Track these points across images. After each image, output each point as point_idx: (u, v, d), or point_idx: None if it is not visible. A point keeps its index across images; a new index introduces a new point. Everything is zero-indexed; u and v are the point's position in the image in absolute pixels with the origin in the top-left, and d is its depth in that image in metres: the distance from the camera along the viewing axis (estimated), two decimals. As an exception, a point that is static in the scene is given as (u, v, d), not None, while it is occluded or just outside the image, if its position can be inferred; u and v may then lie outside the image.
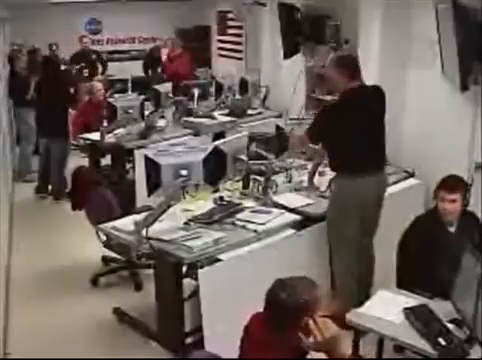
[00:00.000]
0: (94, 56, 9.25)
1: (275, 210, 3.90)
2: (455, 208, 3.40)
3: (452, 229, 3.44)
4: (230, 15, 10.03)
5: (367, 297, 3.29)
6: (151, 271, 4.07)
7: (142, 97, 6.19)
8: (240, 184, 4.26)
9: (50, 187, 6.64)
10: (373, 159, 3.85)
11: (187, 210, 3.86)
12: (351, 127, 3.70)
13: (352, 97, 3.79)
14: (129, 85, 7.71)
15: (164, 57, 9.34)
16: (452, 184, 3.45)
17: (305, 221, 3.93)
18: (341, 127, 3.70)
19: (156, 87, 6.65)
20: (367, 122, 3.79)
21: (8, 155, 6.76)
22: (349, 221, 3.74)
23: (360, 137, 3.72)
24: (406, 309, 2.89)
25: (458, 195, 3.40)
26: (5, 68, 7.56)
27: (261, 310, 2.35)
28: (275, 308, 2.24)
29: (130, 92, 7.38)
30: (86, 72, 8.67)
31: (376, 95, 3.95)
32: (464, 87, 4.24)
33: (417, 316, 2.82)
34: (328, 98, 6.39)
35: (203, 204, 3.94)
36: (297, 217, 3.90)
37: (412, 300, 3.01)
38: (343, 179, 3.80)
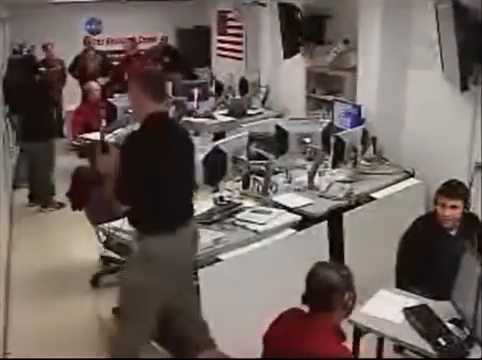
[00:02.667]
0: (98, 57, 9.24)
1: (275, 210, 3.90)
2: (455, 214, 3.36)
3: (452, 232, 3.43)
4: (230, 15, 10.02)
5: None
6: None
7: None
8: (240, 184, 4.26)
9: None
10: (184, 208, 3.10)
11: (187, 210, 3.86)
12: (157, 168, 2.90)
13: (156, 128, 2.97)
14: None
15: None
16: (453, 190, 3.41)
17: (305, 221, 3.93)
18: (145, 168, 2.88)
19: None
20: (175, 162, 2.99)
21: (8, 158, 6.74)
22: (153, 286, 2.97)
23: (168, 181, 2.95)
24: (406, 309, 2.89)
25: (459, 201, 3.37)
26: (3, 68, 7.55)
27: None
28: (316, 285, 2.32)
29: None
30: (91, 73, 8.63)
31: (180, 134, 3.18)
32: (464, 87, 4.24)
33: (417, 316, 2.82)
34: (329, 98, 6.40)
35: (203, 204, 3.94)
36: (297, 217, 3.90)
37: (412, 300, 3.00)
38: (149, 236, 2.97)
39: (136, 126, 6.00)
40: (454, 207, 3.35)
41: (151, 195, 2.92)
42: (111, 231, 3.74)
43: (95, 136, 5.81)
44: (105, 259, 4.87)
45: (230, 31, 10.46)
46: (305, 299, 2.36)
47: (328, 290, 2.28)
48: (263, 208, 3.94)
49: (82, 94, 7.77)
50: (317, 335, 2.26)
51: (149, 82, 2.98)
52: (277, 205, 4.05)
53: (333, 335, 2.29)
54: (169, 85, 6.88)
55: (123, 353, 3.10)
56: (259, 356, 2.52)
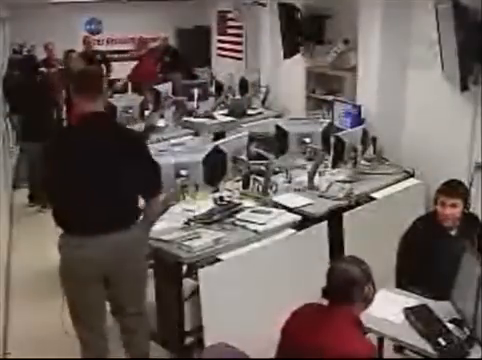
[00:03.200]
0: (98, 57, 9.24)
1: (275, 210, 3.90)
2: (455, 213, 3.37)
3: (452, 232, 3.43)
4: (230, 15, 10.03)
5: None
6: (151, 271, 4.07)
7: (142, 97, 6.19)
8: (240, 184, 4.26)
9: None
10: (95, 215, 2.85)
11: (187, 210, 3.86)
12: (63, 165, 2.85)
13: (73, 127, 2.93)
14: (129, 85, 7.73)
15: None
16: (452, 189, 3.42)
17: (305, 221, 3.93)
18: (60, 168, 2.85)
19: (156, 87, 6.66)
20: (87, 163, 2.83)
21: (8, 158, 6.74)
22: (71, 293, 2.97)
23: (75, 184, 2.83)
24: (406, 309, 2.89)
25: (458, 200, 3.37)
26: (3, 68, 7.55)
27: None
28: (339, 279, 2.36)
29: (130, 92, 7.38)
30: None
31: (111, 134, 2.95)
32: (464, 87, 4.24)
33: (417, 316, 2.82)
34: (329, 98, 6.41)
35: (203, 204, 3.94)
36: (297, 217, 3.90)
37: (412, 300, 3.00)
38: (65, 239, 2.92)
39: (136, 126, 6.06)
40: (454, 206, 3.36)
41: (60, 196, 2.87)
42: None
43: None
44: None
45: (230, 31, 10.47)
46: (325, 293, 2.41)
47: (350, 283, 2.34)
48: (263, 208, 3.94)
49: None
50: (340, 327, 2.30)
51: (81, 81, 2.94)
52: (277, 205, 4.05)
53: (355, 327, 2.34)
54: (169, 85, 6.88)
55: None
56: (259, 356, 2.52)
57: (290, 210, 3.97)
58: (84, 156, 2.83)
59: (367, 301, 2.40)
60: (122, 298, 3.07)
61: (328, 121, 4.75)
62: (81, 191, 2.84)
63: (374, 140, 5.17)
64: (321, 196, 4.23)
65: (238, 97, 6.95)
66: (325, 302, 2.42)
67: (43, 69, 8.10)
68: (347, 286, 2.34)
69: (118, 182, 2.86)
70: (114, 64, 9.64)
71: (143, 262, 3.14)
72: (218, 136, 5.65)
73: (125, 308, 3.10)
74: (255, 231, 3.64)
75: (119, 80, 7.88)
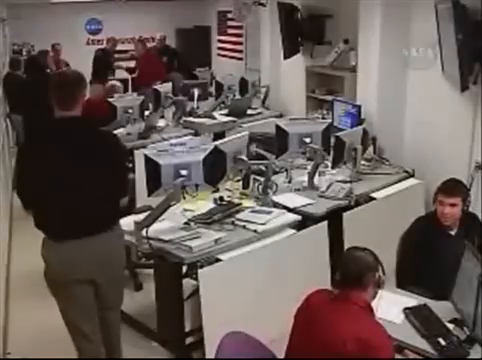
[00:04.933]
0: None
1: (275, 210, 3.90)
2: (454, 212, 3.37)
3: (452, 232, 3.43)
4: (230, 15, 10.02)
5: None
6: (151, 271, 4.07)
7: (142, 97, 6.19)
8: (240, 184, 4.26)
9: None
10: (83, 217, 2.88)
11: (187, 210, 3.86)
12: (39, 169, 2.82)
13: (51, 131, 2.91)
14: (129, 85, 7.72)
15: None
16: (451, 188, 3.43)
17: (305, 221, 3.93)
18: (37, 171, 2.82)
19: (156, 87, 6.66)
20: (65, 166, 2.82)
21: (7, 159, 6.74)
22: (66, 298, 3.00)
23: (52, 185, 2.82)
24: (406, 309, 2.89)
25: (458, 199, 3.37)
26: (4, 68, 7.55)
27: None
28: (353, 265, 2.46)
29: (130, 92, 7.38)
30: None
31: (93, 138, 2.96)
32: (464, 87, 4.24)
33: (417, 316, 2.82)
34: (329, 98, 6.41)
35: (203, 204, 3.94)
36: (297, 217, 3.90)
37: (412, 300, 3.01)
38: (48, 244, 2.97)
39: (136, 126, 6.05)
40: (453, 205, 3.36)
41: (38, 200, 2.86)
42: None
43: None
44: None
45: (230, 31, 10.47)
46: (336, 282, 2.49)
47: (363, 269, 2.44)
48: (263, 208, 3.94)
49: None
50: (355, 311, 2.38)
51: (56, 91, 2.95)
52: (277, 205, 4.05)
53: (369, 312, 2.43)
54: (169, 85, 6.88)
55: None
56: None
57: (290, 210, 3.97)
58: (61, 159, 2.83)
59: (378, 286, 2.49)
60: (108, 297, 3.13)
61: (328, 121, 4.74)
62: (59, 194, 2.83)
63: (374, 140, 5.17)
64: (321, 196, 4.23)
65: (238, 97, 6.95)
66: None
67: (49, 70, 8.12)
68: (361, 271, 2.43)
69: (98, 185, 2.89)
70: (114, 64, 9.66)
71: (124, 260, 3.24)
72: (218, 136, 5.65)
73: (108, 305, 3.17)
74: (255, 231, 3.64)
75: (120, 80, 7.86)
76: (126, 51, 11.03)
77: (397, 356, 3.16)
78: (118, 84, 6.71)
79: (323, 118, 5.47)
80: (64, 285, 2.95)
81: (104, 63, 8.96)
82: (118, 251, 3.11)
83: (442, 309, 2.87)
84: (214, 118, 6.39)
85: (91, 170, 2.87)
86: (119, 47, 10.72)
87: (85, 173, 2.85)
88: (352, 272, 2.44)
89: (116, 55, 10.24)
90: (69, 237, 2.87)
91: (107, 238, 2.96)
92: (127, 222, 3.68)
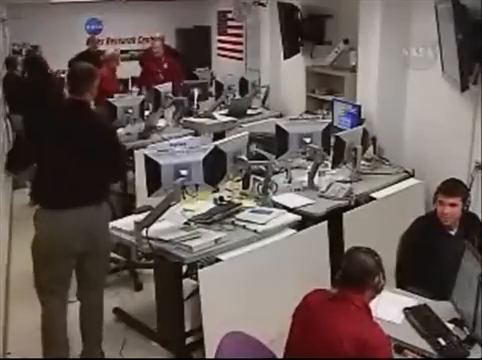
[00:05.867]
0: (101, 57, 9.20)
1: (275, 210, 3.90)
2: (454, 212, 3.37)
3: (452, 232, 3.43)
4: (230, 15, 10.03)
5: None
6: (151, 271, 4.07)
7: (142, 97, 6.19)
8: (240, 184, 4.26)
9: None
10: (69, 190, 3.16)
11: (187, 210, 3.86)
12: (45, 144, 3.19)
13: (54, 109, 3.38)
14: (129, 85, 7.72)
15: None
16: (451, 188, 3.43)
17: (305, 221, 3.93)
18: (35, 143, 3.23)
19: (156, 87, 6.65)
20: (65, 143, 3.17)
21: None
22: (42, 266, 3.24)
23: (51, 160, 3.18)
24: (406, 309, 2.89)
25: (458, 199, 3.37)
26: (4, 68, 7.54)
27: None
28: (354, 267, 2.45)
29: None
30: None
31: (88, 120, 3.31)
32: (464, 87, 4.24)
33: (417, 316, 2.82)
34: (329, 98, 6.41)
35: (203, 204, 3.94)
36: (297, 217, 3.90)
37: (412, 300, 3.01)
38: (40, 214, 3.23)
39: (136, 126, 6.05)
40: (453, 205, 3.36)
41: (37, 170, 3.23)
42: (111, 231, 3.74)
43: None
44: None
45: (230, 31, 10.48)
46: (336, 282, 2.50)
47: (364, 272, 2.45)
48: (263, 208, 3.94)
49: None
50: (353, 312, 2.39)
51: (69, 76, 3.49)
52: (277, 205, 4.05)
53: (368, 313, 2.44)
54: (169, 85, 6.88)
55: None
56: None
57: (290, 210, 3.97)
58: (62, 136, 3.17)
59: (376, 290, 2.49)
60: (91, 271, 3.36)
61: (328, 121, 4.74)
62: (56, 167, 3.17)
63: (374, 140, 5.17)
64: (321, 196, 4.23)
65: (238, 97, 6.94)
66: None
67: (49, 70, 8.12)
68: (361, 274, 2.44)
69: (90, 163, 3.19)
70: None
71: (110, 237, 3.49)
72: (218, 136, 5.64)
73: (90, 281, 3.41)
74: (255, 231, 3.64)
75: (120, 80, 7.86)
76: (127, 51, 11.06)
77: (397, 356, 3.17)
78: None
79: (323, 118, 5.46)
80: (50, 252, 3.19)
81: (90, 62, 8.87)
82: (103, 225, 3.37)
83: (442, 309, 2.87)
84: (214, 118, 6.39)
85: (87, 149, 3.17)
86: (119, 47, 10.74)
87: (79, 152, 3.16)
88: (352, 273, 2.45)
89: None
90: (58, 207, 3.15)
91: (93, 212, 3.22)
92: (127, 222, 3.69)
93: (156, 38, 8.68)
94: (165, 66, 8.01)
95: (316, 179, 4.41)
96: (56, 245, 3.18)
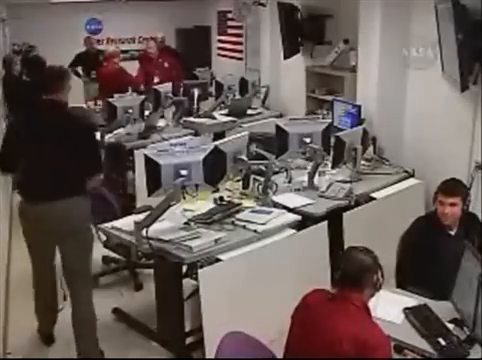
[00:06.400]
0: (100, 57, 9.19)
1: (275, 210, 3.90)
2: (454, 212, 3.37)
3: (452, 232, 3.43)
4: (230, 15, 10.02)
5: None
6: (151, 271, 4.07)
7: (142, 97, 6.19)
8: (240, 184, 4.26)
9: None
10: (49, 184, 3.39)
11: (187, 210, 3.86)
12: (24, 142, 3.41)
13: (34, 110, 3.61)
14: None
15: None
16: (451, 187, 3.43)
17: (305, 221, 3.93)
18: (19, 140, 3.44)
19: (156, 87, 6.66)
20: (42, 141, 3.40)
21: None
22: (32, 253, 3.64)
23: (30, 155, 3.42)
24: (406, 309, 2.89)
25: (458, 199, 3.37)
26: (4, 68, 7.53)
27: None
28: (352, 266, 2.46)
29: (130, 91, 7.37)
30: (94, 73, 8.57)
31: (63, 118, 3.53)
32: (464, 87, 4.24)
33: (417, 316, 2.82)
34: (329, 98, 6.41)
35: (203, 204, 3.94)
36: (297, 217, 3.90)
37: (412, 300, 3.01)
38: (22, 205, 3.52)
39: (136, 126, 6.05)
40: (453, 204, 3.36)
41: (17, 164, 3.43)
42: (111, 231, 3.74)
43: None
44: (107, 259, 4.87)
45: (230, 31, 10.47)
46: (335, 281, 2.50)
47: (362, 270, 2.45)
48: (263, 208, 3.94)
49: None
50: (352, 312, 2.39)
51: (46, 77, 3.68)
52: (277, 205, 4.05)
53: (367, 313, 2.44)
54: (169, 85, 6.88)
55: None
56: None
57: (290, 210, 3.97)
58: (40, 133, 3.39)
59: (375, 289, 2.49)
60: (72, 256, 3.55)
61: (328, 121, 4.74)
62: (36, 163, 3.40)
63: (374, 140, 5.17)
64: (321, 196, 4.23)
65: (238, 97, 6.94)
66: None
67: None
68: (359, 272, 2.44)
69: (66, 159, 3.39)
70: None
71: (89, 228, 3.66)
72: (218, 136, 5.65)
73: (73, 267, 3.57)
74: (255, 231, 3.64)
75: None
76: (127, 51, 11.05)
77: (397, 356, 3.17)
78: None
79: (323, 118, 5.46)
80: (33, 238, 3.54)
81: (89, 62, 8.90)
82: (82, 216, 3.55)
83: (442, 309, 2.87)
84: (214, 118, 6.39)
85: (62, 145, 3.38)
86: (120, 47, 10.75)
87: (56, 147, 3.37)
88: (350, 272, 2.45)
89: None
90: (39, 200, 3.37)
91: (69, 204, 3.41)
92: (127, 222, 3.69)
93: (156, 39, 8.69)
94: (165, 65, 8.02)
95: (316, 179, 4.41)
96: (36, 231, 3.48)
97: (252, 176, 4.24)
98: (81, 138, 3.46)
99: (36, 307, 3.81)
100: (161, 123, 6.20)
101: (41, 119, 3.49)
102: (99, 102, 7.90)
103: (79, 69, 9.03)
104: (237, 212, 3.85)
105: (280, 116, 6.72)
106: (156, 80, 7.58)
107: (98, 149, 3.84)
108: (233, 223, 3.73)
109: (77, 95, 8.53)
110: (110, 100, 5.92)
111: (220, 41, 11.05)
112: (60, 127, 3.44)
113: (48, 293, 3.79)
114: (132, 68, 8.87)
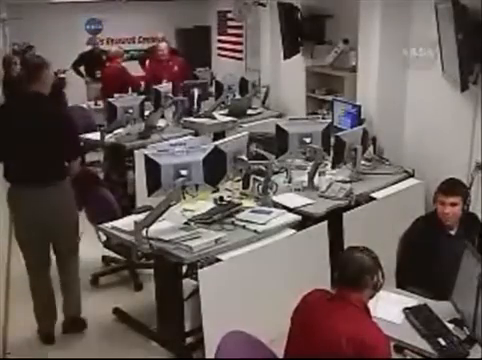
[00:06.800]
0: (104, 57, 9.19)
1: (275, 210, 3.90)
2: (455, 212, 3.37)
3: (452, 232, 3.43)
4: (230, 15, 10.02)
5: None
6: (151, 271, 4.07)
7: (142, 97, 6.19)
8: (240, 184, 4.26)
9: None
10: (29, 170, 3.61)
11: (187, 210, 3.86)
12: (7, 130, 3.61)
13: (15, 101, 3.90)
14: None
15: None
16: (451, 187, 3.43)
17: (305, 221, 3.93)
18: (5, 131, 3.63)
19: (156, 87, 6.66)
20: (25, 130, 3.58)
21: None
22: (24, 238, 3.81)
23: (15, 144, 3.60)
24: (406, 309, 2.89)
25: (458, 198, 3.37)
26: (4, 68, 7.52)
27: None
28: (352, 267, 2.45)
29: (130, 92, 7.37)
30: (98, 73, 8.56)
31: (42, 108, 3.69)
32: (464, 87, 4.24)
33: (417, 316, 2.82)
34: (329, 98, 6.41)
35: (203, 204, 3.94)
36: (297, 217, 3.90)
37: (412, 300, 3.00)
38: (10, 192, 3.73)
39: (136, 126, 6.05)
40: (454, 204, 3.36)
41: (6, 155, 3.65)
42: (111, 231, 3.74)
43: (95, 136, 5.82)
44: (107, 259, 4.88)
45: (230, 31, 10.47)
46: (335, 282, 2.50)
47: (362, 270, 2.44)
48: (263, 208, 3.94)
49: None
50: (352, 312, 2.39)
51: (26, 68, 3.91)
52: (277, 205, 4.05)
53: (366, 313, 2.45)
54: (169, 85, 6.88)
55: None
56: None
57: (290, 210, 3.97)
58: (24, 124, 3.56)
59: (375, 289, 2.49)
60: (60, 237, 3.78)
61: (328, 121, 4.74)
62: (22, 152, 3.58)
63: (374, 140, 5.17)
64: (321, 196, 4.23)
65: (238, 97, 6.94)
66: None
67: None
68: (359, 273, 2.44)
69: (49, 146, 3.59)
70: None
71: (74, 210, 3.89)
72: (218, 136, 5.65)
73: (62, 247, 3.82)
74: (255, 231, 3.64)
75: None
76: (127, 51, 11.04)
77: (397, 356, 3.17)
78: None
79: (323, 118, 5.46)
80: (23, 225, 3.72)
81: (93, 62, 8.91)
82: (65, 200, 3.74)
83: (442, 309, 2.87)
84: (214, 118, 6.39)
85: (43, 135, 3.56)
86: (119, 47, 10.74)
87: (38, 136, 3.55)
88: (349, 273, 2.45)
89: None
90: (26, 185, 3.59)
91: (55, 190, 3.64)
92: (127, 222, 3.69)
93: (159, 38, 8.68)
94: (175, 68, 7.98)
95: (316, 179, 4.41)
96: (25, 217, 3.68)
97: (252, 176, 4.24)
98: (59, 124, 3.65)
99: (35, 307, 3.83)
100: (161, 123, 6.20)
101: (23, 110, 3.65)
102: (99, 102, 7.92)
103: (81, 69, 9.04)
104: (237, 212, 3.85)
105: (280, 116, 6.72)
106: (164, 82, 7.51)
107: (76, 135, 4.13)
108: (233, 223, 3.73)
109: (79, 95, 8.57)
110: (110, 100, 5.92)
111: (220, 41, 11.05)
112: (39, 115, 3.62)
113: (45, 293, 3.83)
114: (132, 68, 8.90)
